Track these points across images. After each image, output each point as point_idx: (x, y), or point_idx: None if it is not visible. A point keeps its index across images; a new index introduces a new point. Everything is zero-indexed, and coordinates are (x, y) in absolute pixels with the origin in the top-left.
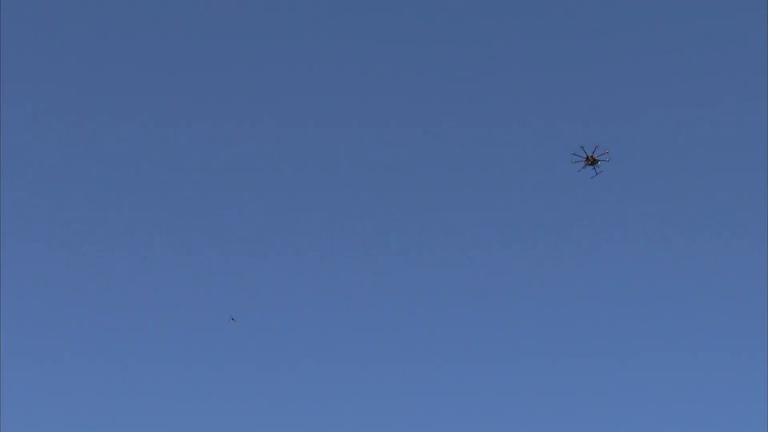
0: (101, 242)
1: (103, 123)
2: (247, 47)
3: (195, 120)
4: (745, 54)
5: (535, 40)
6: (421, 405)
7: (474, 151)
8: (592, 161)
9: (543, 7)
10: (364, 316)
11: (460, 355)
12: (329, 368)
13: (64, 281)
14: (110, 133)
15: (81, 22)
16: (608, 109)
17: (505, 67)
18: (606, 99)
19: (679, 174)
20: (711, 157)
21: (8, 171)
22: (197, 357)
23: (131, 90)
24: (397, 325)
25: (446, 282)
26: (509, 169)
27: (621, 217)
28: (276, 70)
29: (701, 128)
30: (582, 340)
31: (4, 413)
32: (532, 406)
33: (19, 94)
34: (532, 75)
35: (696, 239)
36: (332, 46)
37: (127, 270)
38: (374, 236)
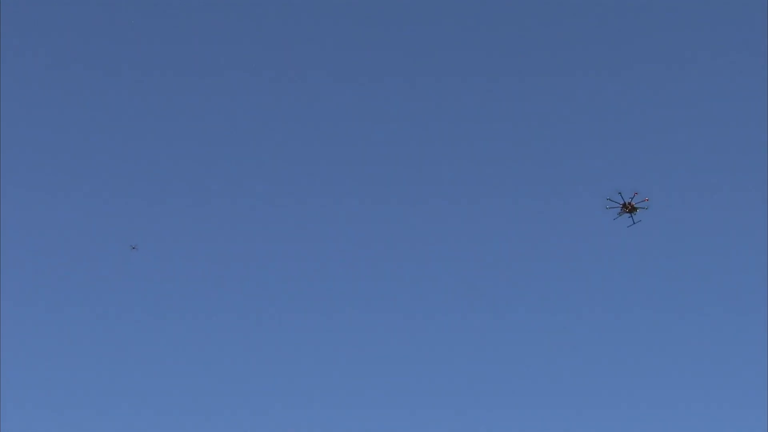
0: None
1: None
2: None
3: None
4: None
5: (534, 39)
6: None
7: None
8: (630, 209)
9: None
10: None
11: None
12: (329, 360)
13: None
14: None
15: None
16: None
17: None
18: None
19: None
20: (712, 154)
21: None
22: (197, 355)
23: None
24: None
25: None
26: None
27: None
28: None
29: (703, 128)
30: (582, 330)
31: (4, 413)
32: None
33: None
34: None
35: (695, 239)
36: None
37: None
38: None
